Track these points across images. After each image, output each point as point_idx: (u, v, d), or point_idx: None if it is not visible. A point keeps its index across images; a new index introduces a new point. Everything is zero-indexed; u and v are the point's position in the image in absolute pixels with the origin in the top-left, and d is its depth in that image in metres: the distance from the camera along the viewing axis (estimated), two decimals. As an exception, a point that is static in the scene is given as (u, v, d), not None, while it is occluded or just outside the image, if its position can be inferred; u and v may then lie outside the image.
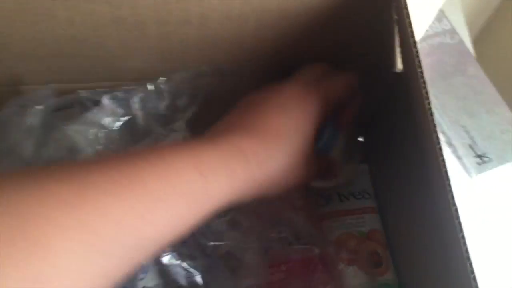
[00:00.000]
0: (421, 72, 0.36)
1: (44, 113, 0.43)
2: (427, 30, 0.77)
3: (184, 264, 0.42)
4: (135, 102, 0.44)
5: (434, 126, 0.34)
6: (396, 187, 0.53)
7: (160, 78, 0.45)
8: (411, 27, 0.36)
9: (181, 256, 0.43)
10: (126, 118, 0.44)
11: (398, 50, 0.45)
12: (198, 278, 0.43)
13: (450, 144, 0.67)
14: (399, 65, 0.48)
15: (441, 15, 0.79)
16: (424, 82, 0.35)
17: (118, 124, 0.44)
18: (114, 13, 0.37)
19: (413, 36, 0.36)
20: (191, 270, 0.43)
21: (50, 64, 0.43)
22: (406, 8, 0.37)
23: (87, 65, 0.43)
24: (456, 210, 0.31)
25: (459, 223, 0.31)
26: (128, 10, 0.37)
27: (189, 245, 0.43)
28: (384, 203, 0.56)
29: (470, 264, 0.30)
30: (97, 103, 0.44)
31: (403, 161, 0.50)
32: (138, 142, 0.44)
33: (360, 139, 0.62)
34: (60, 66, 0.43)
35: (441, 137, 0.63)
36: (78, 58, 0.42)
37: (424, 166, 0.39)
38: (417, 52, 0.36)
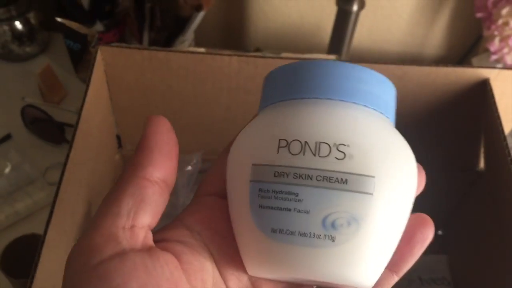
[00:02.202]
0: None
1: (191, 174, 0.54)
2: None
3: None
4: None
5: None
6: (477, 276, 0.58)
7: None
8: (505, 141, 0.45)
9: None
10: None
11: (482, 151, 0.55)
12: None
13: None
14: (481, 165, 0.57)
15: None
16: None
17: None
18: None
19: (507, 147, 0.44)
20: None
21: (201, 137, 0.55)
22: (498, 116, 0.46)
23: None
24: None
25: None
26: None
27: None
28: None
29: None
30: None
31: (485, 251, 0.56)
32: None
33: (439, 232, 0.69)
34: (209, 140, 0.55)
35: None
36: (225, 133, 0.54)
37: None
38: (511, 160, 0.44)
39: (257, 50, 0.75)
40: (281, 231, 0.20)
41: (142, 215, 0.20)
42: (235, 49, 0.79)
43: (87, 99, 0.42)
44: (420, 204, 0.64)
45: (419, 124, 0.52)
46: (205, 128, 0.53)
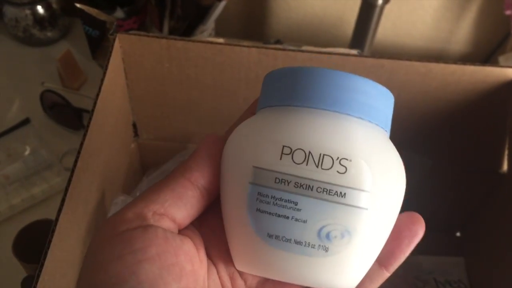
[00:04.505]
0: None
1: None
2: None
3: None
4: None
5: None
6: (495, 280, 0.57)
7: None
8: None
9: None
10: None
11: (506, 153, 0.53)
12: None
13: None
14: (504, 168, 0.55)
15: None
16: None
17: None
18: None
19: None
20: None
21: (218, 128, 0.54)
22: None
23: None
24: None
25: None
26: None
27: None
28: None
29: None
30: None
31: (504, 256, 0.55)
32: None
33: (457, 234, 0.67)
34: (225, 130, 0.54)
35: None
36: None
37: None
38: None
39: (278, 41, 0.74)
40: (277, 237, 0.21)
41: (175, 209, 0.22)
42: (256, 39, 0.78)
43: (104, 87, 0.41)
44: (440, 205, 0.63)
45: (441, 123, 0.51)
46: (222, 119, 0.52)
